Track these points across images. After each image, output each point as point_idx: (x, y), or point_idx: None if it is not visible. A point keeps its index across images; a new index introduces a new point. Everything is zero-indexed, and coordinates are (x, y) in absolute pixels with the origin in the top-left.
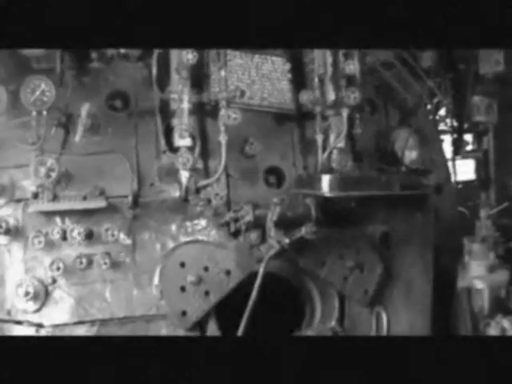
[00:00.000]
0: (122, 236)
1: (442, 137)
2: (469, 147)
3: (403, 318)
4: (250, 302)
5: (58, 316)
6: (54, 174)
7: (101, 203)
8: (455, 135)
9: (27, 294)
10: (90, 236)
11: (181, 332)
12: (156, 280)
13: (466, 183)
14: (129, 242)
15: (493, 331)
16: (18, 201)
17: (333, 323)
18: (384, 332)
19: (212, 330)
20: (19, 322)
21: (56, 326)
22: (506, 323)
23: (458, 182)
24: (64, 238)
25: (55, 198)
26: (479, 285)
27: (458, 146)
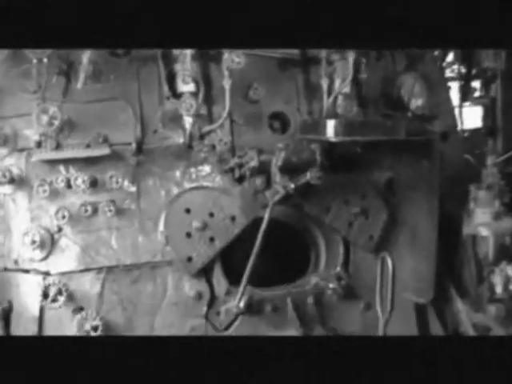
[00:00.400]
0: (126, 183)
1: (450, 83)
2: (476, 94)
3: (408, 263)
4: (255, 248)
5: (65, 264)
6: (56, 123)
7: (104, 151)
8: (463, 82)
9: (33, 242)
10: (94, 184)
11: (186, 278)
12: (161, 226)
13: (473, 131)
14: (133, 189)
15: (497, 278)
16: (21, 150)
17: (338, 269)
18: (389, 277)
19: (217, 275)
20: (26, 271)
21: (63, 273)
22: (510, 270)
23: (464, 130)
24: (68, 186)
25: (58, 146)
26: (484, 232)
27: (466, 93)
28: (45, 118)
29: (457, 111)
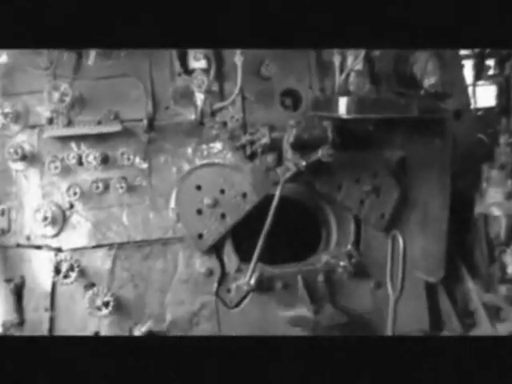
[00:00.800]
0: (137, 160)
1: (463, 61)
2: (490, 72)
3: (419, 242)
4: (266, 226)
5: (77, 240)
6: (67, 99)
7: (116, 127)
8: (476, 60)
9: (45, 218)
10: (105, 160)
11: (197, 255)
12: (172, 203)
13: (487, 110)
14: (145, 165)
15: (508, 258)
16: (33, 127)
17: (348, 247)
18: (400, 255)
19: (228, 252)
20: (38, 247)
21: (74, 249)
22: None
23: (478, 109)
24: (80, 163)
25: (70, 123)
26: (496, 212)
27: (479, 71)
28: (56, 95)
29: (470, 90)
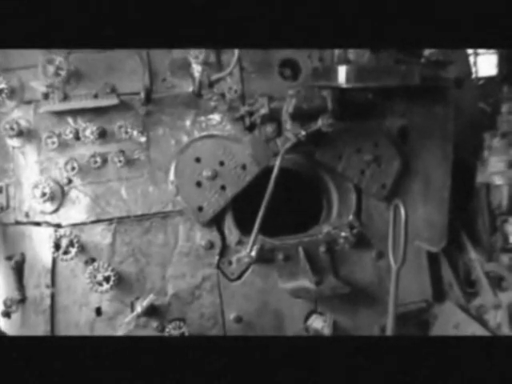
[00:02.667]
0: (135, 133)
1: None
2: None
3: (421, 211)
4: (266, 197)
5: (76, 216)
6: (63, 73)
7: (112, 101)
8: None
9: (44, 194)
10: (103, 134)
11: (197, 228)
12: (171, 176)
13: (488, 79)
14: (143, 138)
15: (510, 228)
16: (29, 102)
17: (350, 217)
18: (401, 225)
19: (229, 225)
20: (38, 224)
21: (74, 225)
22: None
23: (479, 77)
24: (77, 137)
25: (66, 97)
26: (498, 180)
27: None
28: (51, 69)
29: (471, 58)
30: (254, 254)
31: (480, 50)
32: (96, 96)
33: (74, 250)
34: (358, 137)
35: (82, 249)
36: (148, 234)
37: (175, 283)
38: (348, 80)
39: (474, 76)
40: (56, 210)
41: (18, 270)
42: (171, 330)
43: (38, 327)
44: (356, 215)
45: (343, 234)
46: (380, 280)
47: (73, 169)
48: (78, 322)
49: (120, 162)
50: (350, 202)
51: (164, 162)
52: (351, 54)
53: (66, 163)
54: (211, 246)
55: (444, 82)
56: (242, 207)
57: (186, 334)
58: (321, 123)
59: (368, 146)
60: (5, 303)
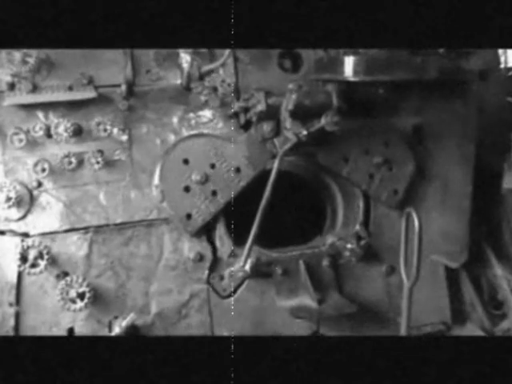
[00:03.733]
0: (115, 131)
1: None
2: None
3: (438, 221)
4: (262, 204)
5: (46, 223)
6: (31, 60)
7: (90, 94)
8: None
9: (8, 199)
10: (78, 132)
11: (185, 238)
12: (156, 180)
13: None
14: (124, 137)
15: None
16: None
17: (357, 227)
18: (415, 237)
19: (220, 235)
20: (1, 233)
21: (44, 234)
22: None
23: (508, 68)
24: (48, 135)
25: (35, 88)
26: None
27: None
28: (17, 56)
29: None
30: (248, 267)
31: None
32: (70, 88)
33: (43, 263)
34: (366, 137)
35: (53, 261)
36: (129, 244)
37: (160, 300)
38: (356, 73)
39: (501, 67)
40: (23, 217)
41: None
42: None
43: None
44: (364, 225)
45: (349, 245)
46: (390, 298)
47: (43, 170)
48: None
49: (98, 163)
50: (356, 210)
51: (148, 164)
52: None
53: (36, 164)
54: (201, 258)
55: (466, 75)
56: (236, 215)
57: None
58: (325, 121)
59: (378, 147)
60: None
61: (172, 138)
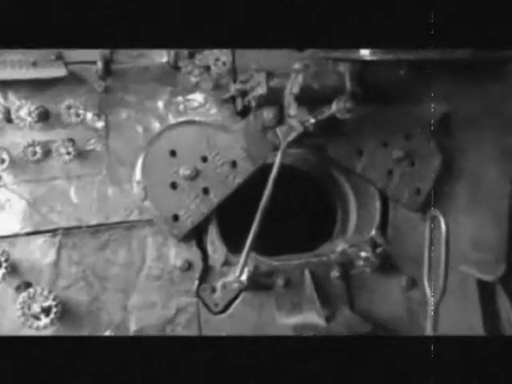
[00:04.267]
0: (89, 116)
1: None
2: None
3: (468, 226)
4: (262, 204)
5: (5, 225)
6: None
7: (59, 71)
8: None
9: None
10: (45, 116)
11: (171, 243)
12: (138, 174)
13: None
14: (100, 124)
15: None
16: None
17: (373, 232)
18: (441, 244)
19: (212, 240)
20: None
21: (2, 237)
22: None
23: None
24: (8, 119)
25: None
26: None
27: None
28: None
29: None
30: (245, 278)
31: None
32: (35, 64)
33: (0, 272)
34: (384, 126)
35: (13, 269)
36: (105, 250)
37: (140, 316)
38: (372, 51)
39: None
40: None
41: None
42: None
43: None
44: (380, 230)
45: (363, 253)
46: (411, 316)
47: (2, 162)
48: None
49: (68, 154)
50: (372, 212)
51: (128, 156)
52: None
53: None
54: (189, 266)
55: (503, 55)
56: (231, 217)
57: None
58: (336, 108)
59: (398, 138)
60: None
61: (156, 125)
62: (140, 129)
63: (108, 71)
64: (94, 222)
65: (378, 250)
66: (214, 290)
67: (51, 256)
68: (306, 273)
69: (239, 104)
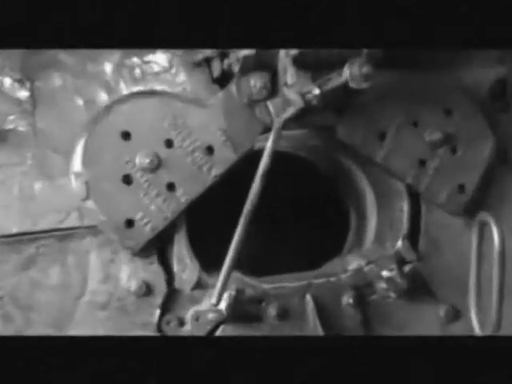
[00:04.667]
0: (8, 82)
1: None
2: None
3: None
4: (248, 205)
5: None
6: None
7: None
8: None
9: None
10: None
11: (123, 259)
12: (77, 164)
13: None
14: (23, 93)
15: None
16: None
17: (399, 244)
18: (494, 260)
19: (180, 254)
20: None
21: None
22: None
23: None
24: None
25: None
26: None
27: None
28: None
29: None
30: (224, 306)
31: None
32: None
33: None
34: (415, 99)
35: None
36: (31, 268)
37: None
38: None
39: None
40: None
41: None
42: None
43: None
44: (410, 240)
45: (385, 273)
46: None
47: None
48: None
49: None
50: (398, 217)
51: (63, 139)
52: None
53: None
54: (148, 291)
55: None
56: (206, 223)
57: None
58: (348, 74)
59: (434, 115)
60: None
61: (103, 96)
62: (80, 101)
63: None
64: (14, 229)
65: (407, 269)
66: (182, 323)
67: None
68: (308, 299)
69: (217, 68)
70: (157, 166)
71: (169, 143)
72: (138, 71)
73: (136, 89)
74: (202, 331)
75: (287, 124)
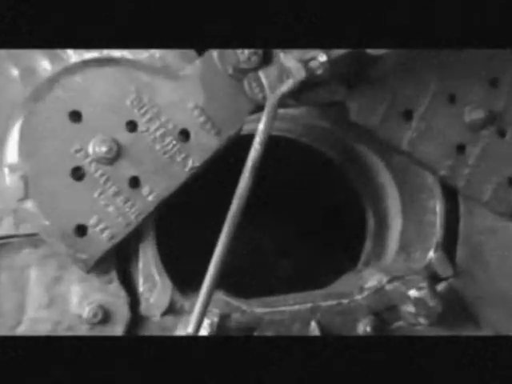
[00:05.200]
0: None
1: None
2: None
3: None
4: (235, 207)
5: None
6: None
7: None
8: None
9: None
10: None
11: (73, 277)
12: (12, 155)
13: None
14: None
15: None
16: None
17: (431, 254)
18: None
19: (147, 270)
20: None
21: None
22: None
23: None
24: None
25: None
26: None
27: None
28: None
29: None
30: (205, 334)
31: None
32: None
33: None
34: (449, 68)
35: None
36: None
37: None
38: None
39: None
40: None
41: None
42: None
43: None
44: (444, 249)
45: (413, 292)
46: None
47: None
48: None
49: None
50: (428, 220)
51: None
52: None
53: None
54: (105, 318)
55: None
56: (180, 229)
57: None
58: None
59: (476, 88)
60: None
61: (46, 65)
62: (15, 71)
63: None
64: None
65: (441, 287)
66: None
67: None
68: (314, 326)
69: None
70: (116, 155)
71: (132, 126)
72: None
73: (88, 56)
74: None
75: (285, 101)
